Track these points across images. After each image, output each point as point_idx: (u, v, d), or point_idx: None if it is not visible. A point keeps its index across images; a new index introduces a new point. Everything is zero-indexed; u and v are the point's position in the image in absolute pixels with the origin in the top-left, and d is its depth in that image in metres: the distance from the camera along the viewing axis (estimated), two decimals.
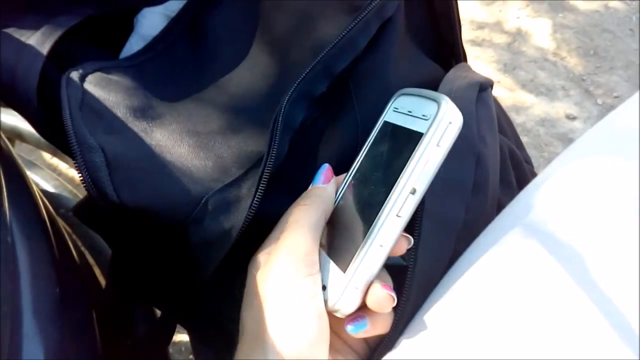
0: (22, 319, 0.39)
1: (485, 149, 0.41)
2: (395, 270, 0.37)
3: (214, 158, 0.41)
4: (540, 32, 1.86)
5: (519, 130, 1.58)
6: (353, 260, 0.34)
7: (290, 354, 0.33)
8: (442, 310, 0.35)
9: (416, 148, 0.34)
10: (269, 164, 0.39)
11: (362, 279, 0.34)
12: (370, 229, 0.34)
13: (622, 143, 0.35)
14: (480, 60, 1.76)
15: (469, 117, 0.40)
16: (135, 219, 0.40)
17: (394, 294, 0.34)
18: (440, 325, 0.34)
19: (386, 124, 0.39)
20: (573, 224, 0.33)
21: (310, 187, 0.39)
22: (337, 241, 0.37)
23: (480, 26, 1.87)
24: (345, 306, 0.35)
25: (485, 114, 0.42)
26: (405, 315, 0.36)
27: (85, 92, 0.42)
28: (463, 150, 0.39)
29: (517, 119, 1.61)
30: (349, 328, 0.35)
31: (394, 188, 0.34)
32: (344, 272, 0.35)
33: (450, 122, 0.34)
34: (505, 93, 1.68)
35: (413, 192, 0.34)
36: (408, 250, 0.36)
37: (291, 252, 0.35)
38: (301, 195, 0.39)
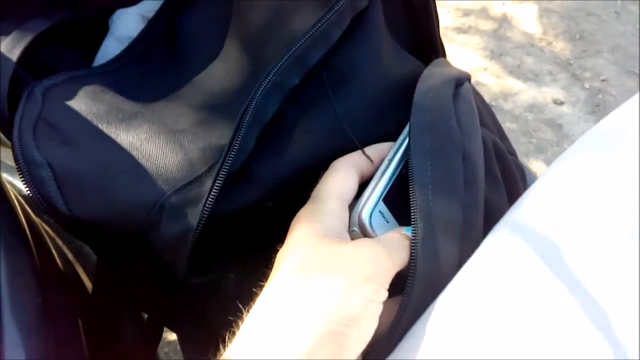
0: (3, 331, 0.38)
1: (470, 144, 0.40)
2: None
3: (181, 156, 0.41)
4: (526, 18, 1.86)
5: (507, 117, 1.59)
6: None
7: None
8: (431, 311, 0.34)
9: None
10: (230, 157, 0.38)
11: None
12: None
13: (611, 145, 0.35)
14: (466, 48, 1.76)
15: (447, 115, 0.40)
16: (95, 229, 0.40)
17: None
18: (428, 326, 0.34)
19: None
20: (559, 220, 0.33)
21: None
22: None
23: (466, 13, 1.86)
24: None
25: (465, 109, 0.41)
26: (404, 316, 0.34)
27: (44, 106, 0.41)
28: (449, 150, 0.39)
29: (504, 105, 1.61)
30: None
31: None
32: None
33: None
34: (492, 80, 1.68)
35: None
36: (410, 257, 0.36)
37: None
38: None
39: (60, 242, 0.65)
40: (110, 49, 0.51)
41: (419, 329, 0.34)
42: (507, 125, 1.55)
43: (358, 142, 0.41)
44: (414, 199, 0.36)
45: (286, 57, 0.40)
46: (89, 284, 0.62)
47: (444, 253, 0.36)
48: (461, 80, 0.43)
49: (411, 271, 0.35)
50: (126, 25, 0.51)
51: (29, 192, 0.39)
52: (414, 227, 0.36)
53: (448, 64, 0.46)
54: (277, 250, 0.38)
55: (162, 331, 0.56)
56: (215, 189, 0.38)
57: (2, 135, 0.82)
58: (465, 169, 0.39)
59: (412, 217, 0.36)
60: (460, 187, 0.38)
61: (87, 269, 0.65)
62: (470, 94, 0.43)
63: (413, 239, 0.35)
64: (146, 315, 0.60)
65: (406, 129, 0.41)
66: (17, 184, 0.78)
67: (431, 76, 0.43)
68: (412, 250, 0.35)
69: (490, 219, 0.38)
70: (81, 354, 0.48)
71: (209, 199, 0.37)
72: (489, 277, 0.33)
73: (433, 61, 0.46)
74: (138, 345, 0.58)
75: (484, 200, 0.41)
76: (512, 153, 0.49)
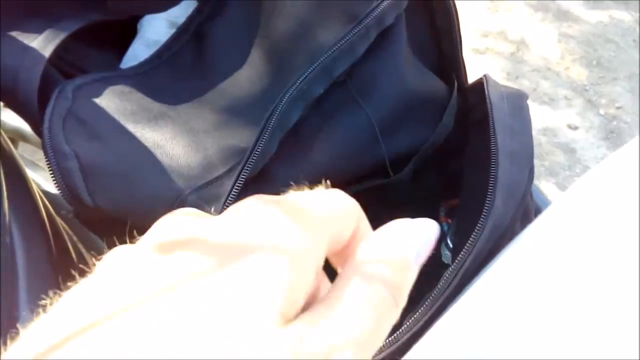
0: (19, 318, 0.39)
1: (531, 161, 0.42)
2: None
3: (203, 156, 0.42)
4: (544, 42, 1.87)
5: None
6: None
7: None
8: (442, 321, 0.35)
9: None
10: (252, 159, 0.39)
11: None
12: None
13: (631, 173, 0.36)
14: (483, 69, 1.77)
15: (526, 128, 0.42)
16: (115, 222, 0.41)
17: None
18: (439, 335, 0.34)
19: None
20: (575, 237, 0.33)
21: None
22: None
23: (484, 34, 1.87)
24: None
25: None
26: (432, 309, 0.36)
27: (74, 102, 0.43)
28: (521, 159, 0.40)
29: None
30: None
31: None
32: None
33: None
34: None
35: None
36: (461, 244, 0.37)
37: None
38: None
39: (75, 239, 0.67)
40: (138, 51, 0.52)
41: (431, 337, 0.34)
42: None
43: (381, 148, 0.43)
44: (491, 198, 0.38)
45: (313, 67, 0.42)
46: None
47: (487, 251, 0.37)
48: (527, 96, 0.45)
49: (456, 264, 0.36)
50: (154, 30, 0.53)
51: (55, 182, 0.40)
52: (482, 226, 0.37)
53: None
54: None
55: None
56: (236, 189, 0.39)
57: (24, 131, 0.84)
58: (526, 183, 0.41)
59: (485, 217, 0.37)
60: (519, 199, 0.39)
61: None
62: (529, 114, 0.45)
63: (472, 239, 0.37)
64: None
65: None
66: (37, 180, 0.80)
67: (496, 85, 0.45)
68: (467, 248, 0.36)
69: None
70: None
71: (229, 199, 0.39)
72: (502, 288, 0.33)
73: (484, 75, 0.47)
74: None
75: None
76: None
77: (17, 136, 0.84)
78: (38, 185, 0.78)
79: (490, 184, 0.38)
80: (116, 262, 0.18)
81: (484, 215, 0.37)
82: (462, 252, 0.36)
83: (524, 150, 0.41)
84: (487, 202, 0.37)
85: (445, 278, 0.36)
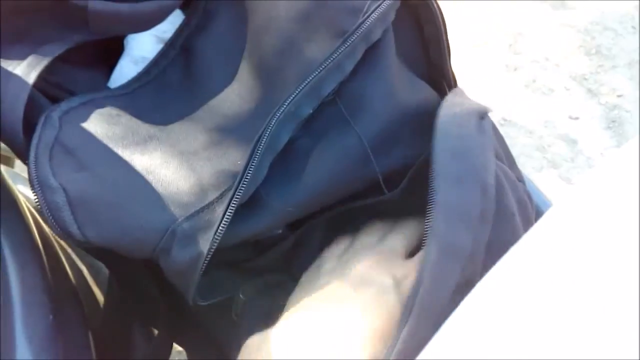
0: (15, 349, 0.39)
1: (488, 178, 0.41)
2: None
3: (194, 180, 0.41)
4: (541, 32, 1.86)
5: (521, 131, 1.58)
6: None
7: None
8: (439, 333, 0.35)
9: None
10: (242, 185, 0.39)
11: None
12: None
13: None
14: (481, 62, 1.76)
15: (471, 145, 0.40)
16: (108, 252, 0.41)
17: None
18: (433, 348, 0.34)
19: None
20: (577, 241, 0.33)
21: None
22: None
23: (481, 27, 1.86)
24: None
25: (486, 143, 0.42)
26: (399, 343, 0.35)
27: (61, 130, 0.42)
28: (471, 181, 0.39)
29: (519, 120, 1.61)
30: None
31: None
32: None
33: None
34: (507, 94, 1.68)
35: None
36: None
37: None
38: None
39: (73, 255, 0.66)
40: (125, 69, 0.52)
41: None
42: (521, 140, 1.55)
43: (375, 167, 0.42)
44: (430, 223, 0.36)
45: (301, 87, 0.41)
46: (100, 297, 0.63)
47: (445, 277, 0.36)
48: (482, 114, 0.43)
49: (412, 290, 0.35)
50: (140, 46, 0.52)
51: (43, 217, 0.40)
52: (427, 251, 0.36)
53: (465, 95, 0.47)
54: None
55: (171, 347, 0.57)
56: (227, 217, 0.38)
57: None
58: (481, 202, 0.39)
59: (428, 242, 0.36)
60: (476, 219, 0.38)
61: (99, 282, 0.66)
62: (491, 128, 0.44)
63: (423, 265, 0.35)
64: (156, 331, 0.61)
65: None
66: (31, 197, 0.80)
67: (453, 105, 0.43)
68: (418, 273, 0.35)
69: (492, 253, 0.38)
70: None
71: (220, 227, 0.38)
72: (506, 293, 0.33)
73: (452, 90, 0.47)
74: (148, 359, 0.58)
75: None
76: (520, 180, 0.49)
77: (12, 154, 0.84)
78: (32, 203, 0.78)
79: (429, 209, 0.37)
80: None
81: (424, 240, 0.36)
82: (415, 279, 0.35)
83: (470, 170, 0.40)
84: (426, 227, 0.36)
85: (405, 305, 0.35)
